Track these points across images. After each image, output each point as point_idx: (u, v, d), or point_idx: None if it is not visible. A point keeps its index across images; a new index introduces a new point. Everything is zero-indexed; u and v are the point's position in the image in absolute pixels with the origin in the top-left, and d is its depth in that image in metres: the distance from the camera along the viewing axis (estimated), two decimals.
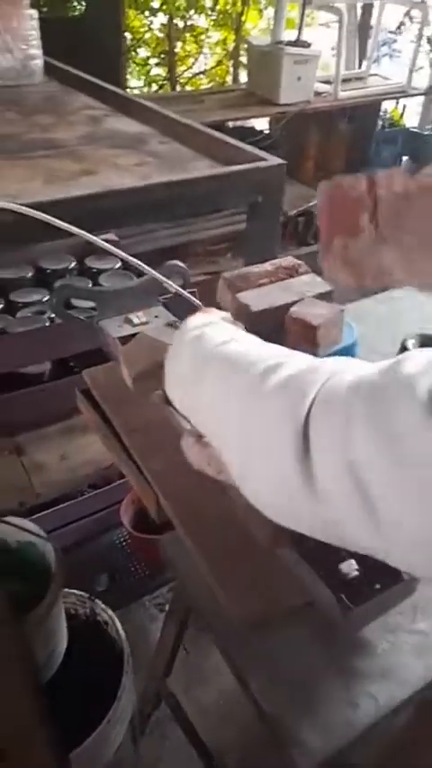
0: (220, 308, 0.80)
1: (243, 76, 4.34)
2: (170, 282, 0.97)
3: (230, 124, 3.59)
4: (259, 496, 0.45)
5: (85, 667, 1.12)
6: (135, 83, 4.57)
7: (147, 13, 4.20)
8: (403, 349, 1.11)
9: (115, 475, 1.50)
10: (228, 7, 4.37)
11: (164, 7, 4.15)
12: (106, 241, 0.99)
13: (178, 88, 4.54)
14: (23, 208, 0.82)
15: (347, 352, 1.55)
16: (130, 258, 0.93)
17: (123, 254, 0.95)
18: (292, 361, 0.44)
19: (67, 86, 1.75)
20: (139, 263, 0.93)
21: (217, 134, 1.25)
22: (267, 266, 0.92)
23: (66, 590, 1.20)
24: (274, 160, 1.13)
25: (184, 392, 0.54)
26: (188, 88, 4.63)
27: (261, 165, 1.12)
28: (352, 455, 0.35)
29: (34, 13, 1.70)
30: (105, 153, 1.23)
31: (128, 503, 1.56)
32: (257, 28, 4.62)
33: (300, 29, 3.32)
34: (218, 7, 4.35)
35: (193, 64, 4.69)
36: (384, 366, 0.37)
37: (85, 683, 1.10)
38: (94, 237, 0.85)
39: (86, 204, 0.96)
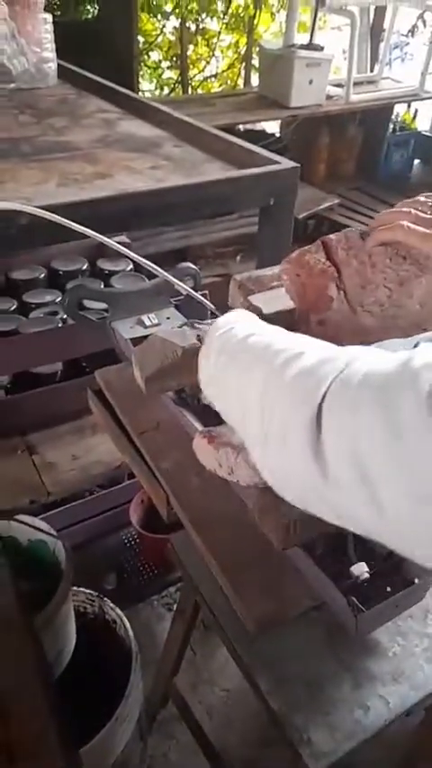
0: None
1: (254, 80, 4.35)
2: (182, 284, 0.98)
3: (241, 127, 3.60)
4: (276, 481, 0.47)
5: (93, 665, 1.13)
6: (147, 86, 4.59)
7: (159, 16, 4.22)
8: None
9: (124, 475, 1.50)
10: (240, 11, 4.38)
11: (176, 11, 4.17)
12: (118, 243, 1.00)
13: (189, 91, 4.55)
14: (38, 210, 0.83)
15: None
16: (144, 261, 0.94)
17: (137, 257, 0.95)
18: (313, 349, 0.45)
19: (81, 89, 1.76)
20: (153, 265, 0.94)
21: (231, 137, 1.26)
22: (279, 269, 0.93)
23: (75, 588, 1.20)
24: (287, 163, 1.13)
25: (215, 384, 0.56)
26: (199, 91, 4.65)
27: (275, 169, 1.12)
28: (357, 443, 0.37)
29: (48, 16, 1.72)
30: (119, 156, 1.24)
31: (137, 502, 1.57)
32: (269, 31, 4.63)
33: (312, 32, 3.33)
34: (230, 10, 4.36)
35: (205, 67, 4.71)
36: (399, 357, 0.38)
37: (94, 681, 1.11)
38: (109, 240, 0.86)
39: (100, 207, 0.97)
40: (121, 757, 1.07)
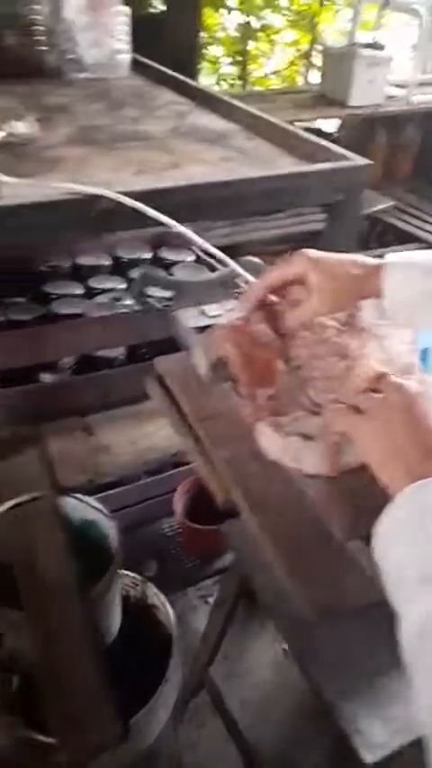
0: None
1: (313, 77, 4.32)
2: (251, 277, 0.99)
3: (298, 125, 3.58)
4: None
5: (133, 649, 1.14)
6: (206, 80, 4.60)
7: (222, 10, 4.22)
8: None
9: (169, 464, 1.51)
10: (303, 7, 4.35)
11: (242, 5, 4.17)
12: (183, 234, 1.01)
13: (247, 87, 4.55)
14: (121, 197, 0.84)
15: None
16: (219, 253, 0.94)
17: (212, 248, 0.96)
18: None
19: (152, 81, 1.79)
20: (224, 256, 0.95)
21: (302, 132, 1.25)
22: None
23: (120, 571, 1.22)
24: (358, 160, 1.12)
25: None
26: (257, 87, 4.64)
27: (345, 165, 1.12)
28: None
29: (126, 9, 1.75)
30: (192, 147, 1.26)
31: (181, 492, 1.58)
32: (332, 29, 4.58)
33: (376, 30, 3.28)
34: (294, 7, 4.33)
35: (266, 63, 4.69)
36: None
37: (133, 664, 1.13)
38: (188, 231, 0.87)
39: (175, 196, 0.98)
40: (153, 743, 1.08)
